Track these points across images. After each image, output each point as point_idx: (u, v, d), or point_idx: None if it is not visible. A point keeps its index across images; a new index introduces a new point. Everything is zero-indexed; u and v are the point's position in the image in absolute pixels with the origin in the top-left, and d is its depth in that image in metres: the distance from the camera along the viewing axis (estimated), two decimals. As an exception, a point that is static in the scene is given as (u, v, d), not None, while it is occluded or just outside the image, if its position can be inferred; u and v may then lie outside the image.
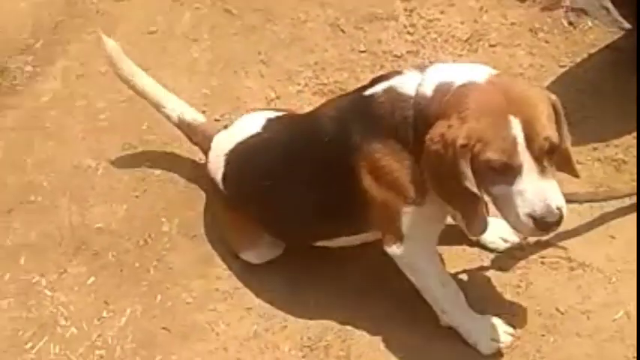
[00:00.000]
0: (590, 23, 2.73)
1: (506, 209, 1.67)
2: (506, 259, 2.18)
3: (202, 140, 2.29)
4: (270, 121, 2.14)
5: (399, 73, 1.88)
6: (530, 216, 1.63)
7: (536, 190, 1.63)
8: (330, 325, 2.10)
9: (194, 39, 2.92)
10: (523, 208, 1.63)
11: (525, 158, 1.62)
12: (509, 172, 1.63)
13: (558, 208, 1.63)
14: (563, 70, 2.62)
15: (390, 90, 1.82)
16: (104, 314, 2.20)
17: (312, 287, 2.17)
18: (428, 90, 1.75)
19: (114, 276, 2.28)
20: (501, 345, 1.97)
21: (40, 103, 2.78)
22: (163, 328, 2.15)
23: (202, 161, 2.45)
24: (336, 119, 1.90)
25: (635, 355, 1.94)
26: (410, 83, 1.79)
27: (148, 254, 2.31)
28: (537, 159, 1.63)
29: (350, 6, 2.91)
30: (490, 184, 1.67)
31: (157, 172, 2.52)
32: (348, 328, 2.09)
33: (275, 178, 2.03)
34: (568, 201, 1.97)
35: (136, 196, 2.46)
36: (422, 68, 1.83)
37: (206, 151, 2.26)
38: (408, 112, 1.76)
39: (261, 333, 2.12)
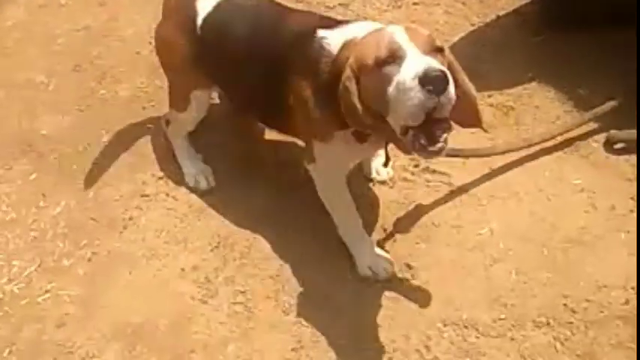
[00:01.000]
0: (503, -12, 3.04)
1: (399, 99, 1.73)
2: (398, 181, 2.47)
3: None
4: None
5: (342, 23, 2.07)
6: (417, 78, 1.68)
7: (419, 59, 1.73)
8: (237, 229, 2.39)
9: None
10: (408, 75, 1.71)
11: (409, 48, 1.76)
12: (396, 60, 1.76)
13: (438, 70, 1.70)
14: (472, 28, 2.92)
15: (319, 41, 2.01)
16: (41, 204, 2.49)
17: (224, 202, 2.46)
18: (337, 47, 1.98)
19: (53, 174, 2.57)
20: (376, 277, 2.22)
21: (3, 27, 3.06)
22: (92, 219, 2.44)
23: (143, 85, 2.77)
24: (291, 43, 2.07)
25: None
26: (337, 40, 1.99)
27: (86, 159, 2.61)
28: (421, 50, 1.77)
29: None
30: (386, 87, 1.77)
31: (102, 91, 2.82)
32: (255, 234, 2.38)
33: (239, 49, 2.18)
34: (453, 155, 2.30)
35: (81, 110, 2.76)
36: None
37: None
38: (326, 62, 1.98)
39: (177, 229, 2.40)
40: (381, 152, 2.22)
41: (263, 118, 2.36)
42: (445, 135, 1.76)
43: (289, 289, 2.25)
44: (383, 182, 2.48)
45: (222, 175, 2.53)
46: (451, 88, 1.72)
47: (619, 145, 2.49)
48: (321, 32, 2.02)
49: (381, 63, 1.79)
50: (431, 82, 1.69)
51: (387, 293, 2.21)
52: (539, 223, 2.33)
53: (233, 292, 2.26)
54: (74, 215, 2.46)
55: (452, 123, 1.80)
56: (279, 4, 2.27)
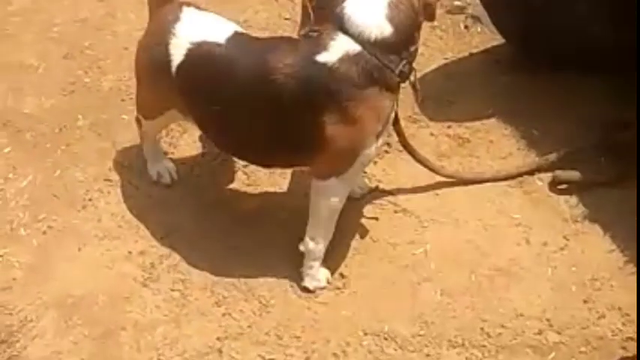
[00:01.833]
0: (479, 29, 3.17)
1: None
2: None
3: None
4: (238, 35, 2.22)
5: None
6: None
7: None
8: (188, 222, 2.52)
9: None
10: None
11: None
12: None
13: None
14: (445, 61, 3.05)
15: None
16: (10, 176, 2.64)
17: (182, 196, 2.61)
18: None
19: (27, 150, 2.73)
20: (318, 288, 2.34)
21: (6, 11, 3.24)
22: (54, 195, 2.59)
23: (125, 78, 2.92)
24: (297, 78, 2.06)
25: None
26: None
27: (60, 140, 2.76)
28: None
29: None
30: None
31: (87, 79, 2.98)
32: (203, 228, 2.51)
33: (227, 103, 2.17)
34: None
35: (64, 95, 2.92)
36: None
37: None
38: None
39: (132, 215, 2.53)
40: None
41: (269, 161, 2.33)
42: None
43: (226, 282, 2.37)
44: (358, 199, 2.56)
45: (186, 169, 2.66)
46: None
47: (563, 186, 2.58)
48: (330, 47, 2.06)
49: None
50: None
51: (315, 297, 2.32)
52: (472, 249, 2.43)
53: (173, 280, 2.38)
54: (38, 190, 2.60)
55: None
56: (256, 38, 2.27)
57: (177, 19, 2.25)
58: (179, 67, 2.20)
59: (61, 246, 2.45)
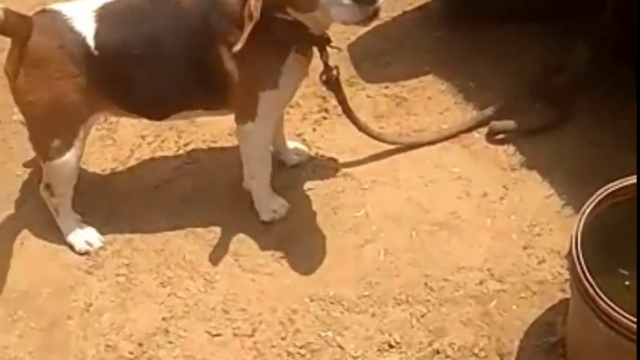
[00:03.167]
0: (412, -15, 3.15)
1: (332, 5, 1.90)
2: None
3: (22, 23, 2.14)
4: None
5: None
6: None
7: None
8: (128, 205, 2.53)
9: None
10: None
11: None
12: None
13: None
14: (379, 22, 3.02)
15: None
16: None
17: (121, 180, 2.61)
18: None
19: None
20: (280, 215, 2.41)
21: None
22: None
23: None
24: (193, 8, 2.11)
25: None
26: None
27: None
28: None
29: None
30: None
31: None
32: (144, 210, 2.52)
33: (146, 47, 2.13)
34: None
35: (-3, 90, 2.87)
36: None
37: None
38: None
39: (74, 204, 2.52)
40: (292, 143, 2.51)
41: (195, 104, 2.30)
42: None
43: (171, 263, 2.37)
44: (296, 166, 2.58)
45: (126, 154, 2.65)
46: None
47: (500, 136, 2.59)
48: None
49: None
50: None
51: (259, 268, 2.33)
52: (413, 207, 2.44)
53: (118, 265, 2.38)
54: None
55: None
56: None
57: (56, 12, 2.17)
58: (97, 37, 2.13)
59: (3, 242, 2.44)
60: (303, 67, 2.22)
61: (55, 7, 2.20)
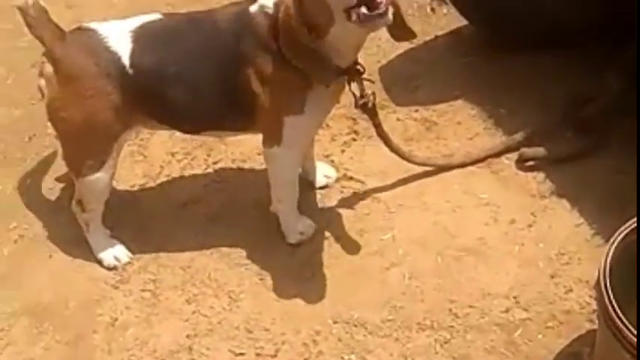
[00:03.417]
0: (445, 11, 3.16)
1: (340, 27, 1.95)
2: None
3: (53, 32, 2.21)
4: (165, 15, 2.27)
5: None
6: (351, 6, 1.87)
7: None
8: (157, 222, 2.56)
9: (119, -15, 3.40)
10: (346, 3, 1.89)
11: None
12: None
13: None
14: (411, 46, 3.05)
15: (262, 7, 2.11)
16: (-22, 185, 2.67)
17: (148, 196, 2.64)
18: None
19: (-3, 160, 2.76)
20: (307, 236, 2.42)
21: (-26, 21, 3.28)
22: (25, 204, 2.62)
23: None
24: (228, 29, 2.14)
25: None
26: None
27: (29, 149, 2.79)
28: None
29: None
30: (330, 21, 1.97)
31: (55, 87, 2.98)
32: (173, 227, 2.54)
33: (181, 66, 2.17)
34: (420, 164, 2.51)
35: (32, 104, 2.93)
36: None
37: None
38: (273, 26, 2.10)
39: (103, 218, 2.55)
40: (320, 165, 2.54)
41: (226, 123, 2.32)
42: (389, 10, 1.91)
43: (196, 280, 2.38)
44: (324, 187, 2.59)
45: (156, 170, 2.68)
46: None
47: (530, 163, 2.58)
48: (254, 6, 2.11)
49: None
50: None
51: (284, 288, 2.33)
52: (440, 232, 2.43)
53: (144, 280, 2.40)
54: (9, 199, 2.63)
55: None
56: (185, 13, 2.35)
57: (92, 31, 2.21)
58: (132, 56, 2.16)
59: (32, 254, 2.47)
60: (332, 94, 2.21)
61: (92, 25, 2.25)
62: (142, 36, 2.18)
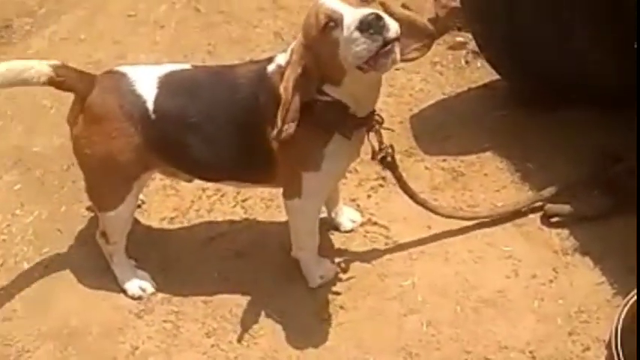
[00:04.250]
0: (479, 64, 3.22)
1: (351, 54, 1.91)
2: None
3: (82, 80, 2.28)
4: (192, 66, 2.35)
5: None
6: (356, 28, 1.87)
7: (353, 13, 1.90)
8: (182, 255, 2.62)
9: (162, 26, 3.53)
10: (349, 30, 1.90)
11: (342, 8, 1.93)
12: (336, 23, 1.93)
13: (372, 13, 1.87)
14: (444, 97, 3.10)
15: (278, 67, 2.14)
16: (17, 212, 2.77)
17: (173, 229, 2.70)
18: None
19: (35, 187, 2.86)
20: (327, 280, 2.46)
21: (25, 55, 3.41)
22: (58, 230, 2.70)
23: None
24: (247, 85, 2.19)
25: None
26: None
27: (67, 177, 2.89)
28: (354, 6, 1.93)
29: (295, 19, 3.46)
30: (336, 51, 1.96)
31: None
32: (197, 261, 2.60)
33: (201, 118, 2.21)
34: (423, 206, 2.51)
35: (73, 134, 3.03)
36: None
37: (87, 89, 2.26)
38: None
39: (132, 250, 2.61)
40: (346, 209, 2.58)
41: (244, 176, 2.37)
42: (395, 48, 1.92)
43: (217, 314, 2.43)
44: (349, 231, 2.64)
45: (186, 205, 2.75)
46: (389, 21, 1.90)
47: (555, 219, 2.59)
48: (272, 64, 2.16)
49: (323, 29, 1.96)
50: (369, 26, 1.87)
51: (302, 328, 2.37)
52: (460, 281, 2.45)
53: (167, 311, 2.45)
54: (43, 225, 2.72)
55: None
56: (210, 66, 2.45)
57: (122, 74, 2.28)
58: (156, 102, 2.22)
59: (61, 279, 2.55)
60: (350, 149, 2.23)
61: (123, 69, 2.33)
62: (167, 83, 2.24)
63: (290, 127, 2.04)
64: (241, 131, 2.22)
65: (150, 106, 2.22)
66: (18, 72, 2.20)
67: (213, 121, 2.22)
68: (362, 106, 2.16)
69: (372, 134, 2.25)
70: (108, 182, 2.32)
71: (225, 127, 2.22)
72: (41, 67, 2.22)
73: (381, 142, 2.28)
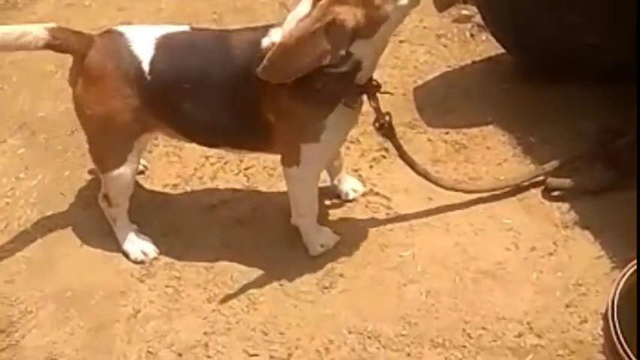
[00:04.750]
0: (484, 37, 3.21)
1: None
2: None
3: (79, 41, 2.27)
4: (190, 29, 2.35)
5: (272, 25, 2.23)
6: None
7: None
8: (185, 221, 2.64)
9: (167, -6, 3.53)
10: None
11: None
12: None
13: None
14: (448, 69, 3.10)
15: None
16: (21, 175, 2.79)
17: (178, 195, 2.72)
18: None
19: (39, 152, 2.88)
20: (328, 248, 2.47)
21: (29, 19, 3.41)
22: (61, 194, 2.72)
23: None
24: (241, 57, 2.16)
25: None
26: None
27: (71, 142, 2.90)
28: None
29: (300, -9, 3.44)
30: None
31: (100, 85, 3.10)
32: (200, 226, 2.62)
33: (196, 82, 2.20)
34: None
35: (77, 99, 3.04)
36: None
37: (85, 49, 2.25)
38: None
39: (135, 214, 2.63)
40: (348, 178, 2.59)
41: (241, 143, 2.38)
42: None
43: (218, 280, 2.45)
44: (351, 200, 2.65)
45: (189, 172, 2.76)
46: None
47: (556, 193, 2.60)
48: (266, 38, 2.12)
49: None
50: None
51: (302, 295, 2.39)
52: (460, 253, 2.46)
53: (169, 276, 2.48)
54: (47, 189, 2.74)
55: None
56: (208, 29, 2.43)
57: (119, 34, 2.27)
58: (152, 63, 2.21)
59: (64, 242, 2.57)
60: (349, 118, 2.24)
61: (121, 29, 2.32)
62: (164, 45, 2.23)
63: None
64: (235, 99, 2.21)
65: (145, 67, 2.21)
66: (16, 37, 2.19)
67: (207, 86, 2.20)
68: (373, 67, 2.16)
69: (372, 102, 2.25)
70: (109, 142, 2.33)
71: (219, 92, 2.21)
72: (38, 31, 2.21)
73: (378, 109, 2.28)
